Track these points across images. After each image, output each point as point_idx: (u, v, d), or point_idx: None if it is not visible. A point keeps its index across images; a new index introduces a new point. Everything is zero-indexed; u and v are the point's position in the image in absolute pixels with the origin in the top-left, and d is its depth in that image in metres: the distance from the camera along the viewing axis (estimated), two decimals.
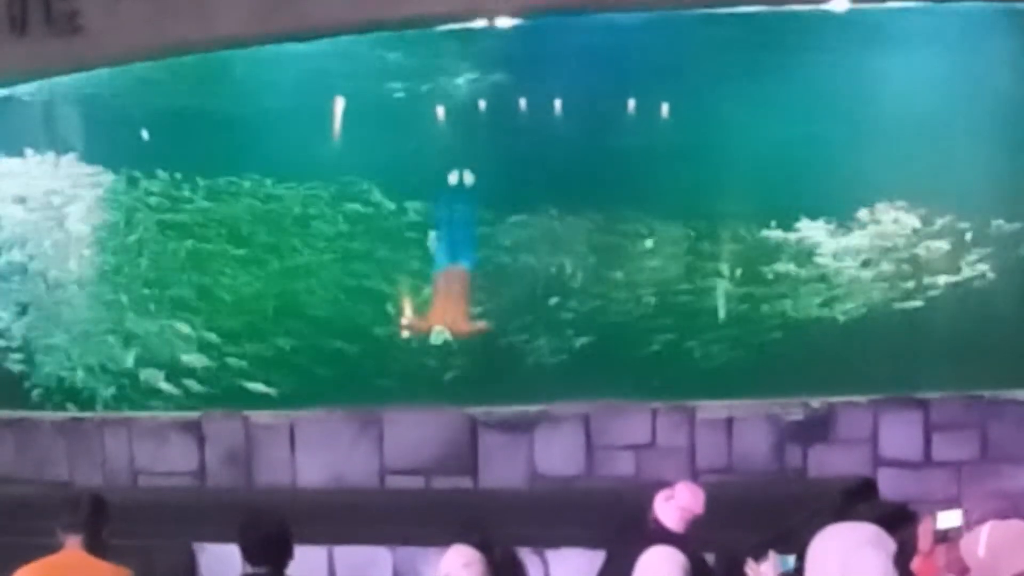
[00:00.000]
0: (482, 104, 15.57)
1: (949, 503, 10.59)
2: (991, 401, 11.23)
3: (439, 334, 14.47)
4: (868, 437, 11.19)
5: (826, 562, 4.21)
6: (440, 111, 15.58)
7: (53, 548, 6.65)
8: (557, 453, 11.52)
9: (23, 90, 15.03)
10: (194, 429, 12.23)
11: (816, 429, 11.23)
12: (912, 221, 14.58)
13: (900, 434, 11.16)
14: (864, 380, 12.20)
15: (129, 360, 15.38)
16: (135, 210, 16.05)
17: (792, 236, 14.79)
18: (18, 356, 15.53)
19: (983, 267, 14.36)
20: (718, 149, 14.69)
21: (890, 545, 4.26)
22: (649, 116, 15.11)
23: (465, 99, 15.49)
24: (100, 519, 6.67)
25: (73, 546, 6.58)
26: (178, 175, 15.90)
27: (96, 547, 6.59)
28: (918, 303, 14.42)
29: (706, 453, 11.23)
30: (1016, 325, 13.15)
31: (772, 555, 6.13)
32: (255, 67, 14.73)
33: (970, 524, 4.28)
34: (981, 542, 4.10)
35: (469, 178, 15.20)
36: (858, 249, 14.63)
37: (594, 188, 15.07)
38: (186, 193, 15.98)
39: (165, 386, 15.03)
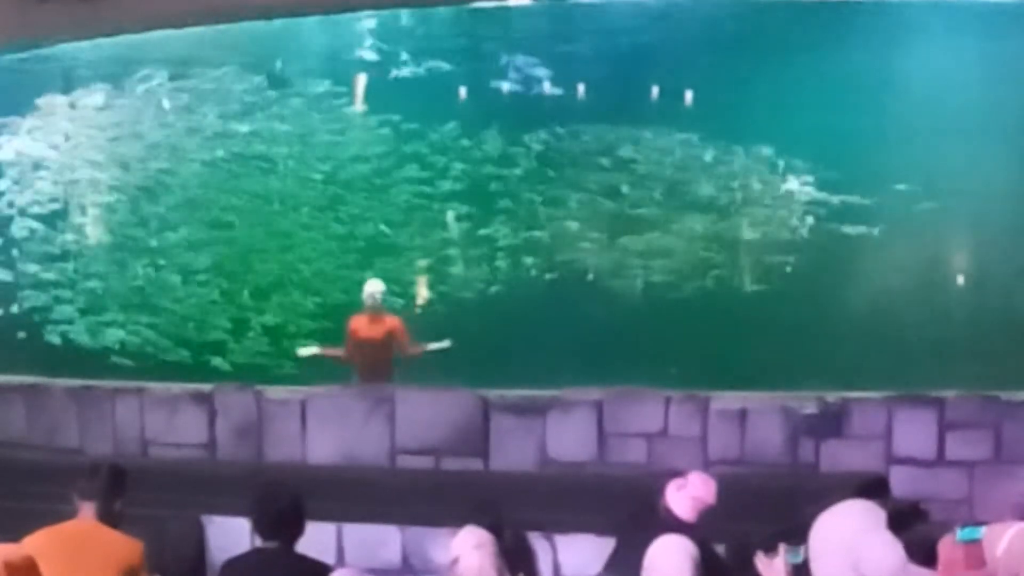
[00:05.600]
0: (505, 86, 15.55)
1: (961, 502, 10.63)
2: (1006, 401, 11.18)
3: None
4: (882, 434, 11.14)
5: (832, 540, 4.21)
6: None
7: (63, 514, 6.64)
8: (569, 438, 11.47)
9: None
10: (206, 401, 12.20)
11: (830, 424, 11.19)
12: (931, 216, 14.53)
13: (914, 432, 11.11)
14: (879, 377, 12.16)
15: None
16: None
17: (812, 229, 14.76)
18: None
19: (1000, 265, 14.32)
20: (739, 142, 14.67)
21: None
22: (673, 103, 15.06)
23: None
24: (116, 489, 6.66)
25: (86, 514, 6.57)
26: None
27: (109, 516, 6.57)
28: (935, 300, 14.38)
29: (719, 444, 11.19)
30: None
31: (782, 548, 6.10)
32: None
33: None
34: (1003, 543, 4.05)
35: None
36: (879, 242, 14.59)
37: (610, 174, 15.03)
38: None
39: None
